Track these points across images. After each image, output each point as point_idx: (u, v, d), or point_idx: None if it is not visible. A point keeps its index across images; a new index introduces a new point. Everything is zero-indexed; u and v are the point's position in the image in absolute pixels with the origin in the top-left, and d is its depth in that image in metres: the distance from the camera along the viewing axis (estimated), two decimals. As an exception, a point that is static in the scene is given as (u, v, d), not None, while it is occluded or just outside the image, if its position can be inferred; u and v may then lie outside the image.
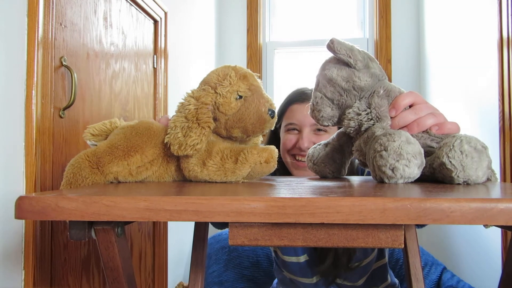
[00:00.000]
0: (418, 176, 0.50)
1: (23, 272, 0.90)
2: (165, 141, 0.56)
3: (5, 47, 0.87)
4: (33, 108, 0.91)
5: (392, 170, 0.49)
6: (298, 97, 1.00)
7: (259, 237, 0.39)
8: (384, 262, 1.02)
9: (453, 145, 0.48)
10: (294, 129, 0.99)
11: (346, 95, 0.59)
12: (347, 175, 0.71)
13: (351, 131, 0.60)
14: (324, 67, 0.61)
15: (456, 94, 1.93)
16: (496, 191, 0.43)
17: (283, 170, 1.04)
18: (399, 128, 0.56)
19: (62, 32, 1.04)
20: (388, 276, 1.04)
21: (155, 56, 1.65)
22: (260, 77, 0.64)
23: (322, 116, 0.61)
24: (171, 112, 1.79)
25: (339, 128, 0.73)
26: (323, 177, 0.68)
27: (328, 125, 0.62)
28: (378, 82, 0.59)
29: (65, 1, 1.05)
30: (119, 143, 0.59)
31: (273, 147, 0.59)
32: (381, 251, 1.00)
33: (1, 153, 0.86)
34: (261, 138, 0.69)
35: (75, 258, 1.09)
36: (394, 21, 2.61)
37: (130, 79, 1.44)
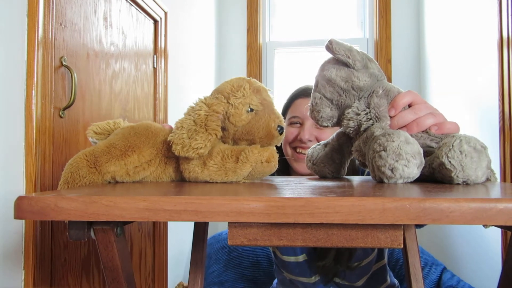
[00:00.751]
0: (417, 176, 0.50)
1: (23, 272, 0.90)
2: (168, 139, 0.56)
3: (5, 47, 0.87)
4: (33, 108, 0.91)
5: (391, 170, 0.49)
6: (302, 92, 1.03)
7: (259, 237, 0.39)
8: (384, 263, 1.02)
9: (452, 145, 0.48)
10: (296, 122, 1.01)
11: (345, 95, 0.59)
12: (348, 174, 0.71)
13: (351, 131, 0.60)
14: (323, 67, 0.61)
15: (456, 94, 1.93)
16: (495, 191, 0.43)
17: (283, 167, 1.05)
18: (399, 128, 0.56)
19: (62, 32, 1.04)
20: (388, 277, 1.04)
21: (155, 56, 1.65)
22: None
23: (321, 117, 0.61)
24: (171, 112, 1.79)
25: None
26: (322, 177, 0.68)
27: (327, 126, 0.63)
28: (377, 82, 0.59)
29: (65, 1, 1.05)
30: (117, 142, 0.59)
31: (274, 148, 0.59)
32: (380, 252, 1.00)
33: (1, 153, 0.86)
34: None
35: (75, 258, 1.09)
36: (394, 21, 2.61)
37: (130, 79, 1.44)
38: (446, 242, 2.07)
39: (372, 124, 0.57)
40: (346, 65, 0.58)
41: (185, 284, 1.98)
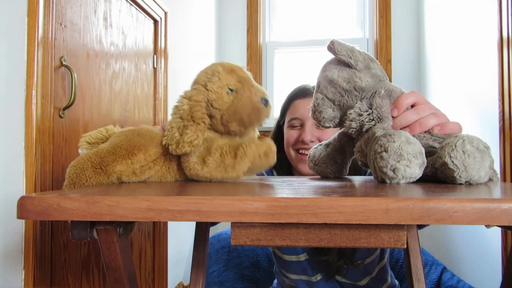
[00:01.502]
0: (420, 175, 0.50)
1: (23, 272, 0.90)
2: (163, 143, 0.57)
3: (5, 47, 0.87)
4: (33, 108, 0.91)
5: (393, 171, 0.49)
6: (300, 93, 1.02)
7: (261, 237, 0.39)
8: (384, 263, 1.02)
9: (455, 145, 0.48)
10: (297, 125, 1.00)
11: (347, 96, 0.59)
12: (351, 174, 0.71)
13: (353, 132, 0.60)
14: (325, 68, 0.61)
15: (456, 94, 1.93)
16: (498, 191, 0.43)
17: (285, 168, 1.05)
18: (401, 128, 0.56)
19: (62, 32, 1.04)
20: (389, 277, 1.04)
21: (155, 56, 1.65)
22: (254, 75, 0.64)
23: (323, 117, 0.61)
24: (171, 112, 1.78)
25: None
26: (324, 177, 0.68)
27: (329, 127, 0.62)
28: (379, 82, 0.59)
29: (65, 1, 1.05)
30: (122, 143, 0.59)
31: (270, 140, 0.59)
32: (382, 252, 1.00)
33: (1, 153, 0.86)
34: (257, 133, 0.69)
35: (75, 258, 1.09)
36: (394, 21, 2.61)
37: (130, 79, 1.44)
38: (446, 242, 2.08)
39: (374, 125, 0.57)
40: (348, 65, 0.58)
41: (185, 284, 1.98)
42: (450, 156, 0.48)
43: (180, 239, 1.98)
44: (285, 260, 1.00)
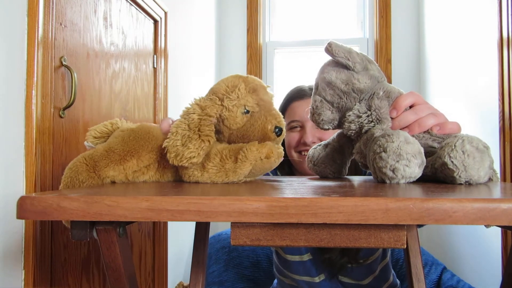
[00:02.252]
0: (419, 175, 0.50)
1: (23, 272, 0.90)
2: (163, 146, 0.55)
3: (5, 47, 0.87)
4: (33, 108, 0.91)
5: (393, 171, 0.49)
6: (297, 95, 1.02)
7: (261, 237, 0.39)
8: (387, 261, 1.02)
9: (455, 145, 0.48)
10: (296, 126, 1.00)
11: (346, 98, 0.59)
12: (351, 174, 0.71)
13: (352, 134, 0.60)
14: (323, 70, 0.61)
15: (456, 94, 1.93)
16: (498, 191, 0.43)
17: (286, 169, 1.05)
18: (400, 129, 0.56)
19: (62, 32, 1.04)
20: (391, 275, 1.04)
21: (155, 56, 1.65)
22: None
23: (322, 120, 0.61)
24: (171, 112, 1.79)
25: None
26: (324, 178, 0.68)
27: (328, 129, 0.62)
28: (377, 83, 0.59)
29: (65, 1, 1.05)
30: (116, 147, 0.58)
31: (271, 143, 0.58)
32: (383, 251, 1.01)
33: (1, 153, 0.86)
34: None
35: (75, 258, 1.09)
36: (394, 21, 2.61)
37: (130, 79, 1.44)
38: (446, 242, 2.08)
39: (374, 126, 0.57)
40: (346, 67, 0.58)
41: (185, 284, 1.98)
42: (450, 156, 0.48)
43: (180, 239, 1.98)
44: (287, 261, 1.00)
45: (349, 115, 0.58)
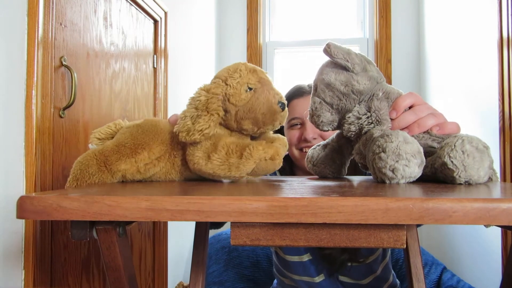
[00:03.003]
0: (419, 175, 0.50)
1: (23, 272, 0.90)
2: (174, 130, 0.56)
3: (5, 47, 0.87)
4: (33, 108, 0.91)
5: (392, 171, 0.49)
6: (296, 93, 1.03)
7: (261, 237, 0.39)
8: (386, 261, 1.02)
9: (454, 145, 0.48)
10: (297, 123, 1.01)
11: (345, 100, 0.58)
12: (351, 174, 0.71)
13: (352, 135, 0.60)
14: (322, 71, 0.61)
15: (456, 94, 1.93)
16: (497, 191, 0.43)
17: (287, 167, 1.05)
18: (400, 130, 0.56)
19: (62, 32, 1.04)
20: (391, 276, 1.04)
21: (155, 56, 1.65)
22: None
23: (322, 121, 0.61)
24: (171, 112, 1.79)
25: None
26: (323, 178, 0.68)
27: (328, 130, 0.62)
28: (376, 84, 0.59)
29: (65, 1, 1.05)
30: (126, 141, 0.60)
31: (278, 136, 0.59)
32: (383, 250, 1.01)
33: (1, 153, 0.86)
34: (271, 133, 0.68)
35: (75, 258, 1.09)
36: (394, 21, 2.61)
37: (130, 79, 1.44)
38: (446, 242, 2.08)
39: (373, 128, 0.57)
40: (345, 68, 0.58)
41: (185, 284, 1.98)
42: (450, 156, 0.48)
43: (180, 239, 1.98)
44: (287, 261, 1.00)
45: (349, 117, 0.58)
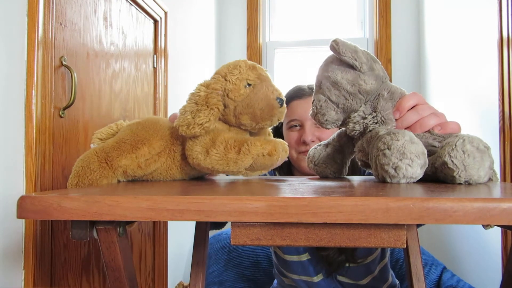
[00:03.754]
0: (420, 176, 0.50)
1: (23, 272, 0.90)
2: (174, 124, 0.57)
3: (5, 47, 0.87)
4: (33, 108, 0.91)
5: (395, 169, 0.49)
6: (296, 94, 1.02)
7: (261, 237, 0.39)
8: (386, 262, 1.02)
9: (455, 145, 0.48)
10: (295, 125, 1.00)
11: (352, 99, 0.57)
12: (349, 174, 0.71)
13: (355, 134, 0.60)
14: (327, 68, 0.59)
15: (456, 94, 1.93)
16: (497, 191, 0.43)
17: (285, 167, 1.05)
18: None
19: (62, 32, 1.04)
20: (390, 276, 1.04)
21: (155, 56, 1.65)
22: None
23: (326, 120, 0.59)
24: (171, 112, 1.79)
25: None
26: (324, 177, 0.68)
27: (331, 128, 0.62)
28: (382, 84, 0.58)
29: (65, 1, 1.05)
30: (126, 137, 0.60)
31: (279, 140, 0.59)
32: (383, 251, 1.01)
33: (1, 153, 0.86)
34: (270, 130, 0.69)
35: (75, 258, 1.09)
36: (394, 21, 2.61)
37: (130, 79, 1.44)
38: (446, 242, 2.08)
39: (379, 127, 0.57)
40: (351, 66, 0.57)
41: (185, 284, 1.98)
42: (450, 156, 0.48)
43: (180, 239, 1.98)
44: (286, 260, 1.00)
45: (354, 116, 0.58)
